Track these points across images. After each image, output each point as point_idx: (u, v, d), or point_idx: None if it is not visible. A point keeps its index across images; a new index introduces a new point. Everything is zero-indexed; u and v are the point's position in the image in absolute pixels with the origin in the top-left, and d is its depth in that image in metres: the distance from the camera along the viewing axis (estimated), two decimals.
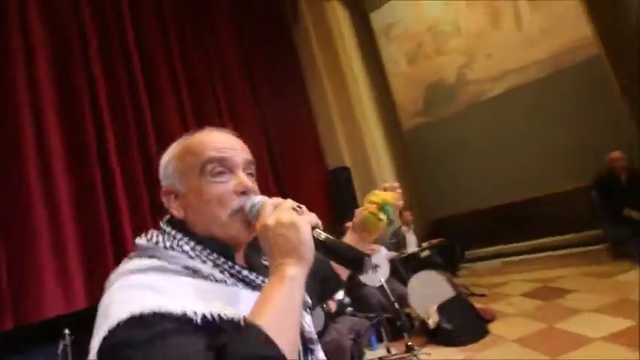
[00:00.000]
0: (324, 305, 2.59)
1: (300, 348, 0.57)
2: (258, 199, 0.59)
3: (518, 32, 4.54)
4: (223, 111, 4.09)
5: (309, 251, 0.51)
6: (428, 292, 3.21)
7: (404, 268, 3.83)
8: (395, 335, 3.16)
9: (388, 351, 2.61)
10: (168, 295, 0.47)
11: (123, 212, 2.64)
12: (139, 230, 0.63)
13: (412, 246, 4.26)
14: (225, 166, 0.60)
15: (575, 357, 2.27)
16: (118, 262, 0.57)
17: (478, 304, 3.38)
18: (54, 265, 2.26)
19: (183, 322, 0.45)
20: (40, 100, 2.40)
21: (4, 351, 2.42)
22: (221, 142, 0.61)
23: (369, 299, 3.22)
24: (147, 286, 0.48)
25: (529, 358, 2.42)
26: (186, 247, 0.56)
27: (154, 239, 0.57)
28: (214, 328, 0.47)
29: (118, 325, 0.44)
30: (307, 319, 0.64)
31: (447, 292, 3.22)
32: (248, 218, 0.58)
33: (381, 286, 3.14)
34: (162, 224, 0.61)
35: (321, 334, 2.51)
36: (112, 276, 0.53)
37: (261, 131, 4.69)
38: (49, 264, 2.24)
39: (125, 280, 0.50)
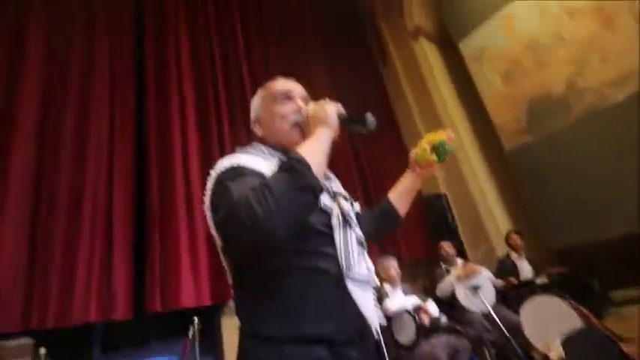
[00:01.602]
0: (416, 317, 2.50)
1: (341, 220, 0.79)
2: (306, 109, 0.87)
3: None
4: None
5: (333, 122, 0.82)
6: (546, 321, 2.72)
7: (517, 297, 3.35)
8: None
9: None
10: (251, 162, 0.78)
11: None
12: None
13: (526, 275, 3.70)
14: (287, 96, 0.91)
15: None
16: None
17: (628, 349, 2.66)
18: (189, 262, 2.86)
19: (258, 175, 0.74)
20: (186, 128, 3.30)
21: (150, 335, 3.10)
22: (286, 83, 0.95)
23: (470, 324, 2.90)
24: (239, 157, 0.81)
25: None
26: (263, 148, 0.87)
27: (245, 147, 0.90)
28: None
29: (221, 171, 0.77)
30: (348, 210, 0.84)
31: (572, 320, 2.67)
32: (302, 127, 0.86)
33: (488, 314, 2.82)
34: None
35: (412, 347, 2.41)
36: None
37: (355, 168, 4.96)
38: (186, 260, 2.86)
39: (227, 156, 0.83)
